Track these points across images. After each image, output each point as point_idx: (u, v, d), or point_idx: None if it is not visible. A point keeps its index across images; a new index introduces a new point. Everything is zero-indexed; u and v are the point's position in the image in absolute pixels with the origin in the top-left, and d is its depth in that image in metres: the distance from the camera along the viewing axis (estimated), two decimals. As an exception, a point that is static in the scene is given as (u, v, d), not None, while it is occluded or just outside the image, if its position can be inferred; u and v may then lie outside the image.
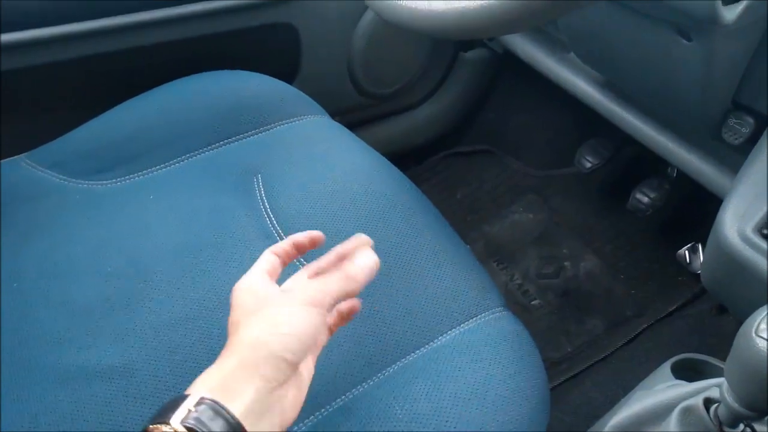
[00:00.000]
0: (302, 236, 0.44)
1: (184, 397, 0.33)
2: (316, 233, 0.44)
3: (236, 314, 0.37)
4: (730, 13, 0.46)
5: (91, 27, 0.70)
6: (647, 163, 0.99)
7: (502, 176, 1.12)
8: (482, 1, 0.35)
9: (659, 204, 0.94)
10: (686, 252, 0.90)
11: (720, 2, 0.45)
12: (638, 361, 0.83)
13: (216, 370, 0.35)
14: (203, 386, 0.34)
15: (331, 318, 0.42)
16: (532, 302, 0.95)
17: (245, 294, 0.38)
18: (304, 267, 0.41)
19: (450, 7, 0.37)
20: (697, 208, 0.96)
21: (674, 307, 0.90)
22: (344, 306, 0.43)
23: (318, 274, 0.40)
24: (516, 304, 0.94)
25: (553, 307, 0.94)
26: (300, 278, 0.40)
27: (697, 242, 0.90)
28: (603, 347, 0.87)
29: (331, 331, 0.42)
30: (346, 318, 0.43)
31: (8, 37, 0.66)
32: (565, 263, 0.99)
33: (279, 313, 0.36)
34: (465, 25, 0.37)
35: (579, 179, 1.07)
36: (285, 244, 0.43)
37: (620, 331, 0.89)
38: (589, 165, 1.00)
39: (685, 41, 0.54)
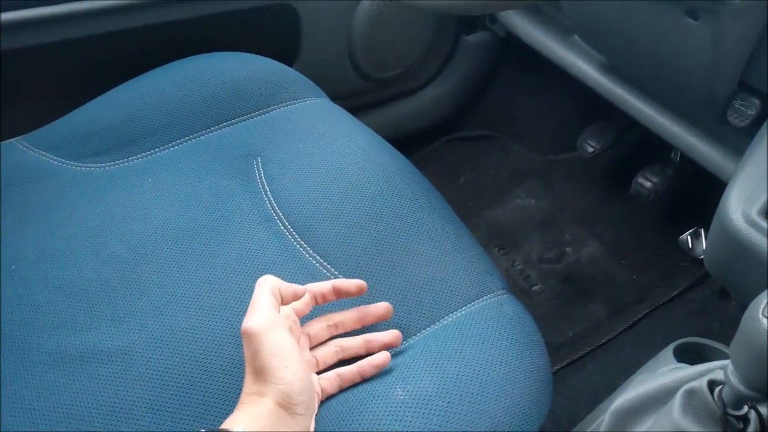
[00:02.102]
0: (349, 284, 0.48)
1: None
2: (363, 283, 0.48)
3: (261, 359, 0.40)
4: (738, -9, 0.45)
5: (87, 7, 0.69)
6: (650, 148, 0.98)
7: (504, 161, 1.11)
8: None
9: (661, 189, 0.93)
10: (688, 237, 0.90)
11: (729, -21, 0.44)
12: (640, 346, 0.83)
13: (251, 411, 0.38)
14: (242, 423, 0.38)
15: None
16: (534, 287, 0.95)
17: (266, 344, 0.40)
18: (325, 318, 0.47)
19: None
20: (700, 193, 0.95)
21: (676, 293, 0.90)
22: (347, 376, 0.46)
23: (338, 327, 0.47)
24: (517, 289, 0.94)
25: (555, 293, 0.93)
26: (319, 328, 0.47)
27: (700, 227, 0.90)
28: (604, 332, 0.87)
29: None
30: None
31: (5, 16, 0.65)
32: (567, 249, 0.99)
33: (305, 375, 0.41)
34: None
35: (581, 164, 1.06)
36: (326, 288, 0.47)
37: (622, 316, 0.89)
38: (591, 150, 0.99)
39: (692, 21, 0.53)
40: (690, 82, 0.63)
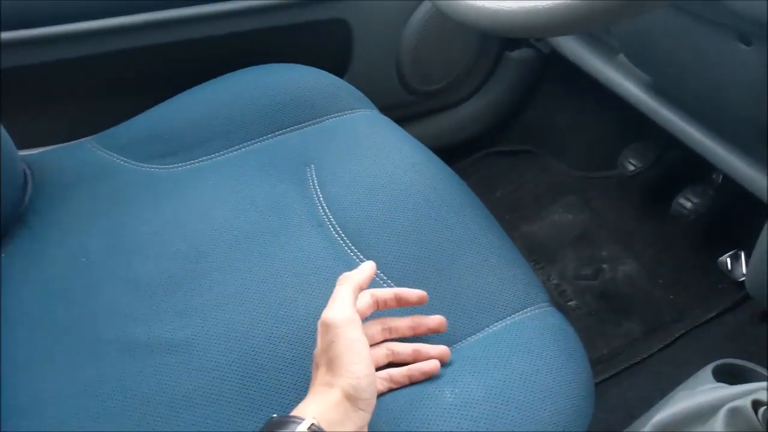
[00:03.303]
0: (410, 294, 0.50)
1: (294, 419, 0.38)
2: (424, 294, 0.50)
3: (334, 351, 0.42)
4: (793, 19, 0.46)
5: (156, 17, 0.73)
6: (691, 169, 0.98)
7: (542, 176, 1.12)
8: (550, 1, 0.37)
9: (702, 210, 0.93)
10: (728, 259, 0.90)
11: (784, 8, 0.45)
12: (676, 364, 0.83)
13: (321, 399, 0.40)
14: (312, 412, 0.39)
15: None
16: (569, 303, 0.95)
17: (342, 338, 0.42)
18: (381, 321, 0.49)
19: (520, 7, 0.38)
20: (741, 216, 0.95)
21: (713, 314, 0.90)
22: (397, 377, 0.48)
23: (391, 332, 0.49)
24: (553, 303, 0.95)
25: (590, 309, 0.94)
26: (375, 330, 0.49)
27: (740, 250, 0.90)
28: (640, 350, 0.87)
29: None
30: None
31: (79, 26, 0.70)
32: (604, 265, 0.99)
33: (371, 372, 0.42)
34: (532, 24, 0.38)
35: (621, 182, 1.06)
36: (388, 294, 0.49)
37: (658, 335, 0.89)
38: (632, 168, 0.99)
39: (743, 46, 0.54)
40: (737, 106, 0.63)
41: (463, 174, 1.14)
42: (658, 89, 0.79)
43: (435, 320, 0.50)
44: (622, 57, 0.83)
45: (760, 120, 0.62)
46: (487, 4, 0.40)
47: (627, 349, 0.88)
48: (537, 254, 1.02)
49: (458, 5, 0.43)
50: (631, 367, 0.84)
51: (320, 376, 0.42)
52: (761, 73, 0.55)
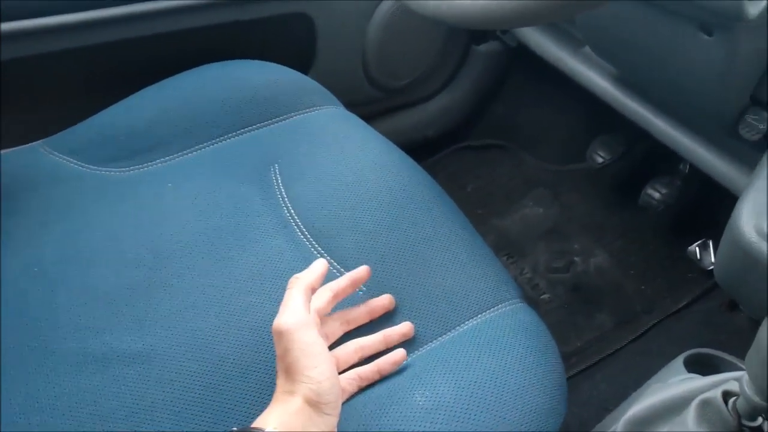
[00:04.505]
0: (360, 273, 0.50)
1: (254, 431, 0.37)
2: (368, 267, 0.51)
3: (290, 357, 0.41)
4: (754, 8, 0.46)
5: (107, 14, 0.70)
6: (659, 159, 0.99)
7: (513, 170, 1.12)
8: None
9: (670, 200, 0.94)
10: (697, 248, 0.91)
11: (745, -3, 0.45)
12: (648, 356, 0.84)
13: (282, 408, 0.39)
14: (273, 422, 0.38)
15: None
16: (542, 296, 0.95)
17: (296, 343, 0.41)
18: (338, 315, 0.49)
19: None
20: (708, 205, 0.96)
21: (684, 304, 0.91)
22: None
23: (350, 323, 0.48)
24: (526, 297, 0.94)
25: (563, 302, 0.94)
26: (334, 326, 0.48)
27: (708, 239, 0.91)
28: (612, 342, 0.87)
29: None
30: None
31: (26, 23, 0.66)
32: (576, 258, 0.99)
33: (333, 374, 0.41)
34: (490, 16, 0.37)
35: (590, 174, 1.07)
36: (344, 283, 0.49)
37: (629, 326, 0.89)
38: (601, 160, 1.00)
39: (706, 36, 0.54)
40: (701, 96, 0.64)
41: (433, 170, 1.13)
42: (623, 81, 0.80)
43: (385, 299, 0.50)
44: (587, 49, 0.83)
45: (722, 110, 0.62)
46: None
47: (599, 341, 0.88)
48: (509, 248, 1.02)
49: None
50: (604, 359, 0.84)
51: (280, 384, 0.41)
52: (723, 63, 0.55)
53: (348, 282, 0.49)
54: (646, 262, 0.97)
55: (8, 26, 0.64)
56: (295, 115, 0.68)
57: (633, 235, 1.00)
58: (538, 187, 1.09)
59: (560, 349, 0.87)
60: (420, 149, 1.12)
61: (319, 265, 0.47)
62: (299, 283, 0.44)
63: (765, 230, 0.52)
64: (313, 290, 0.45)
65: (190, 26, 0.75)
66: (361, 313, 0.49)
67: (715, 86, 0.60)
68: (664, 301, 0.92)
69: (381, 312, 0.50)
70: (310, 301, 0.44)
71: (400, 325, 0.49)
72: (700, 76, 0.60)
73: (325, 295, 0.47)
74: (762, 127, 0.60)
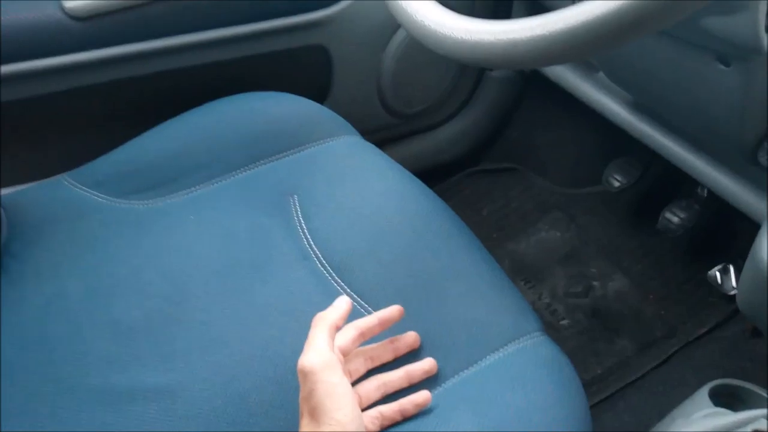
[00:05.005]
0: (390, 313, 0.50)
1: None
2: (401, 308, 0.50)
3: (315, 398, 0.41)
4: (772, 41, 0.46)
5: (129, 50, 0.71)
6: (676, 183, 0.98)
7: (528, 194, 1.12)
8: (530, 33, 0.36)
9: (689, 224, 0.93)
10: (717, 273, 0.90)
11: (763, 29, 0.45)
12: (671, 384, 0.83)
13: None
14: None
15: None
16: (561, 322, 0.94)
17: (321, 384, 0.41)
18: (362, 351, 0.49)
19: (498, 38, 0.38)
20: (728, 228, 0.95)
21: (706, 329, 0.89)
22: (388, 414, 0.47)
23: (373, 360, 0.48)
24: (544, 323, 0.94)
25: (582, 327, 0.93)
26: (357, 363, 0.48)
27: (729, 263, 0.90)
28: (634, 369, 0.86)
29: None
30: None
31: (50, 61, 0.68)
32: (594, 282, 0.98)
33: (357, 416, 0.42)
34: (512, 57, 0.37)
35: (606, 198, 1.06)
36: (372, 322, 0.49)
37: (651, 352, 0.88)
38: (618, 184, 0.99)
39: (722, 66, 0.54)
40: (719, 123, 0.63)
41: (447, 194, 1.14)
42: (638, 107, 0.80)
43: (410, 337, 0.50)
44: (601, 75, 0.83)
45: (741, 137, 0.62)
46: (466, 36, 0.39)
47: (620, 368, 0.87)
48: (526, 273, 1.01)
49: (436, 36, 0.42)
50: (626, 387, 0.83)
51: (305, 424, 0.41)
52: (741, 92, 0.55)
53: (376, 322, 0.49)
54: (666, 287, 0.96)
55: (34, 64, 0.66)
56: (313, 146, 0.69)
57: (651, 258, 0.99)
58: (554, 210, 1.09)
59: (581, 377, 0.86)
60: (435, 173, 1.12)
61: (343, 303, 0.47)
62: (323, 322, 0.44)
63: (789, 261, 0.52)
64: (338, 328, 0.45)
65: (209, 61, 0.76)
66: (385, 351, 0.49)
67: (733, 114, 0.59)
68: (685, 326, 0.91)
69: (406, 350, 0.49)
70: (333, 340, 0.44)
71: (423, 362, 0.48)
72: (718, 105, 0.60)
73: (350, 333, 0.47)
74: (782, 154, 0.60)
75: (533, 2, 0.88)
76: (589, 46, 0.34)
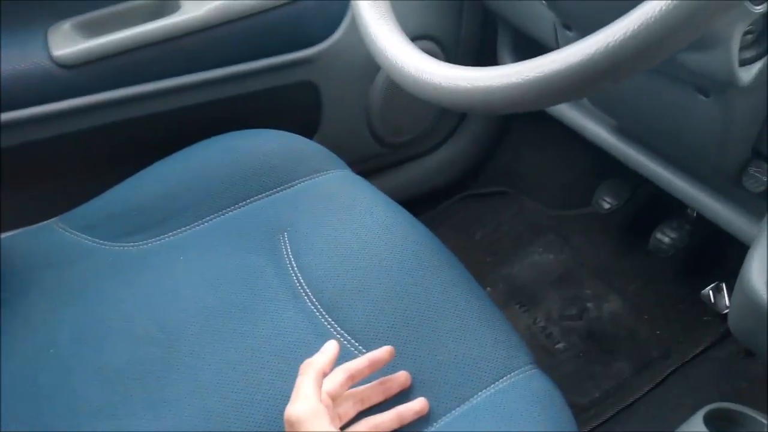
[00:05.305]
0: (380, 355, 0.50)
1: None
2: (392, 348, 0.50)
3: None
4: (746, 74, 0.47)
5: (119, 95, 0.72)
6: (666, 203, 0.99)
7: (519, 217, 1.13)
8: (506, 80, 0.37)
9: (680, 244, 0.94)
10: (710, 292, 0.90)
11: (737, 65, 0.46)
12: (668, 407, 0.82)
13: None
14: None
15: None
16: (557, 345, 0.94)
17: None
18: (352, 394, 0.48)
19: (474, 85, 0.38)
20: (719, 247, 0.95)
21: (701, 349, 0.89)
22: None
23: (363, 402, 0.48)
24: (540, 347, 0.94)
25: (578, 350, 0.93)
26: (347, 406, 0.47)
27: (721, 281, 0.90)
28: (631, 391, 0.86)
29: None
30: None
31: (39, 109, 0.69)
32: (588, 304, 0.99)
33: None
34: (489, 103, 0.38)
35: (598, 219, 1.07)
36: (362, 364, 0.49)
37: (647, 374, 0.88)
38: (607, 206, 1.00)
39: (702, 97, 0.55)
40: (702, 150, 0.64)
41: (438, 220, 1.15)
42: (624, 131, 0.81)
43: (401, 377, 0.50)
44: (586, 101, 0.84)
45: (724, 163, 0.63)
46: (444, 82, 0.40)
47: (617, 390, 0.87)
48: (520, 296, 1.01)
49: (415, 81, 0.43)
50: (623, 410, 0.83)
51: None
52: (722, 121, 0.56)
53: (366, 363, 0.49)
54: (660, 307, 0.96)
55: (23, 113, 0.67)
56: (303, 181, 0.69)
57: (645, 279, 1.00)
58: (546, 232, 1.09)
59: (578, 401, 0.86)
60: (426, 200, 1.13)
61: (331, 347, 0.47)
62: (311, 368, 0.44)
63: (776, 287, 0.52)
64: (325, 374, 0.45)
65: (199, 101, 0.77)
66: (376, 393, 0.49)
67: (715, 141, 0.60)
68: (680, 345, 0.91)
69: (397, 390, 0.50)
70: (321, 387, 0.44)
71: (414, 402, 0.48)
72: (700, 133, 0.60)
73: (339, 377, 0.47)
74: (765, 179, 0.61)
75: (517, 41, 0.89)
76: (564, 93, 0.35)
